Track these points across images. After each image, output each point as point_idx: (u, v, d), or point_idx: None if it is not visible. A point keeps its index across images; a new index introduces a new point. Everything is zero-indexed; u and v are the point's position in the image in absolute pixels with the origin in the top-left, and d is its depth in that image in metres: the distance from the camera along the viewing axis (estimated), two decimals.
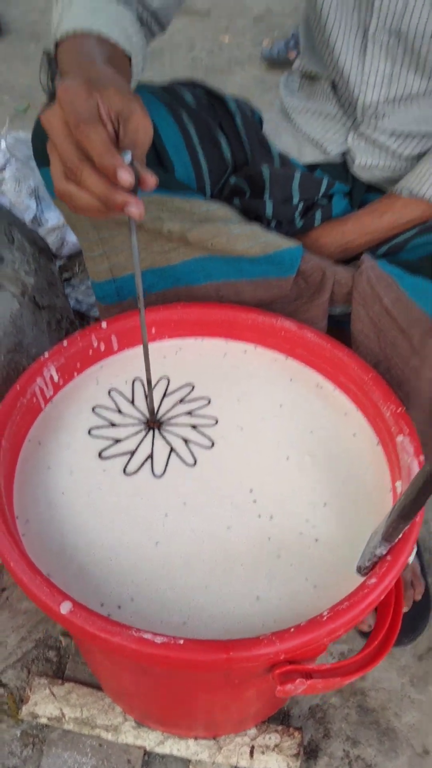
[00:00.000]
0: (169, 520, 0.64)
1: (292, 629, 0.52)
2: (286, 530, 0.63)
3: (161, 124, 0.78)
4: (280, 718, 0.88)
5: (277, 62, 2.15)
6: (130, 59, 0.68)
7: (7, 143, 1.62)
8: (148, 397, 0.69)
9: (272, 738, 0.83)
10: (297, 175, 0.84)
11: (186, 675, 0.58)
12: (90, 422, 0.71)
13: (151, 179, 0.50)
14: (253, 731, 0.84)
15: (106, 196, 0.48)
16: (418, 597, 0.97)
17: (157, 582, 0.60)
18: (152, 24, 0.77)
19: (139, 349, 0.77)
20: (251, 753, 0.82)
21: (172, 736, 0.83)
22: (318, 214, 0.86)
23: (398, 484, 0.65)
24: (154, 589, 0.59)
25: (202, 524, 0.63)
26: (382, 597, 0.55)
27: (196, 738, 0.83)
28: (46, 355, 0.72)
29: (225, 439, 0.70)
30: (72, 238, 1.46)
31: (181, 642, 0.50)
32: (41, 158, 0.74)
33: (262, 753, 0.82)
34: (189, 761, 0.83)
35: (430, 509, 1.11)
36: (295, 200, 0.84)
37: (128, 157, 0.49)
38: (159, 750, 0.83)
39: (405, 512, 0.51)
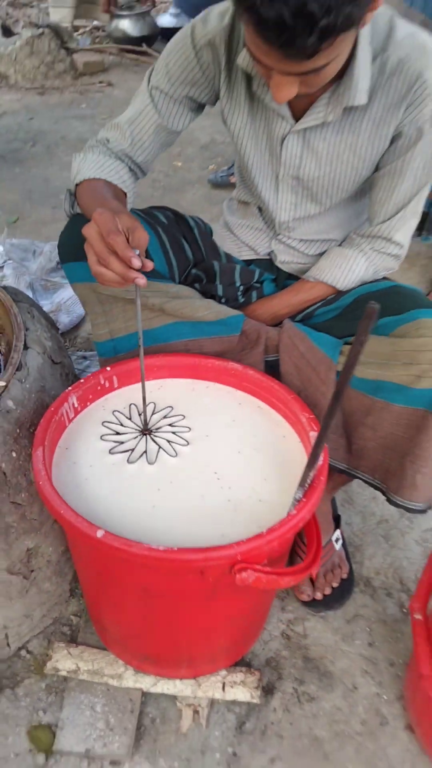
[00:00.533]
0: (161, 492, 0.94)
1: (245, 539, 0.82)
2: (240, 495, 0.95)
3: None
4: (243, 666, 1.15)
5: (221, 185, 2.63)
6: (125, 194, 1.07)
7: (5, 247, 1.99)
8: (143, 413, 1.02)
9: (238, 676, 1.10)
10: (238, 268, 1.21)
11: (175, 582, 0.87)
12: (101, 431, 1.02)
13: (149, 264, 0.85)
14: (223, 672, 1.11)
15: (125, 273, 0.83)
16: (345, 575, 1.27)
17: (155, 529, 0.89)
18: (138, 172, 1.16)
19: (133, 386, 1.10)
20: (223, 687, 1.09)
21: (163, 679, 1.09)
22: (254, 294, 1.23)
23: None
24: (153, 533, 0.89)
25: (183, 494, 0.94)
26: (301, 524, 0.87)
27: (181, 679, 1.09)
28: (70, 389, 1.04)
29: (197, 440, 1.02)
30: (63, 320, 1.80)
31: (176, 548, 0.80)
32: (66, 256, 1.09)
33: (231, 687, 1.09)
34: (176, 697, 1.09)
35: (355, 514, 1.43)
36: (237, 284, 1.21)
37: (136, 252, 0.84)
38: (153, 690, 1.09)
39: (310, 464, 0.84)
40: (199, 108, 1.14)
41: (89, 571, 1.00)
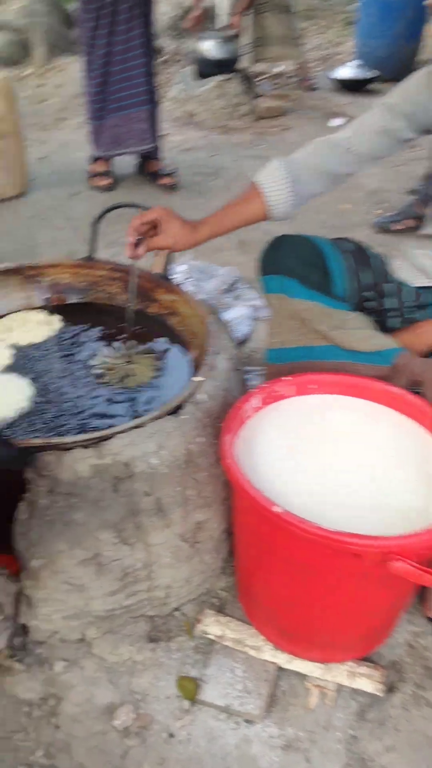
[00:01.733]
0: (322, 486, 1.09)
1: (402, 535, 0.95)
2: (391, 498, 1.07)
3: (332, 258, 1.33)
4: (370, 662, 1.25)
5: (384, 230, 2.78)
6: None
7: (188, 266, 2.27)
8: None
9: (365, 669, 1.22)
10: (405, 289, 1.37)
11: (333, 561, 1.00)
12: (273, 429, 1.19)
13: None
14: (351, 663, 1.22)
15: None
16: None
17: (313, 514, 1.01)
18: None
19: (305, 396, 1.26)
20: (350, 676, 1.21)
21: (297, 658, 1.23)
22: (418, 314, 1.38)
23: None
24: (310, 518, 1.03)
25: (341, 489, 1.08)
26: None
27: (312, 661, 1.22)
28: (254, 390, 1.22)
29: (360, 450, 1.16)
30: (242, 329, 2.04)
31: (346, 532, 0.94)
32: (264, 270, 1.30)
33: (358, 677, 1.20)
34: (306, 677, 1.22)
35: None
36: (405, 302, 1.37)
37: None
38: (287, 666, 1.22)
39: None
40: (416, 129, 1.30)
41: (254, 543, 1.16)
